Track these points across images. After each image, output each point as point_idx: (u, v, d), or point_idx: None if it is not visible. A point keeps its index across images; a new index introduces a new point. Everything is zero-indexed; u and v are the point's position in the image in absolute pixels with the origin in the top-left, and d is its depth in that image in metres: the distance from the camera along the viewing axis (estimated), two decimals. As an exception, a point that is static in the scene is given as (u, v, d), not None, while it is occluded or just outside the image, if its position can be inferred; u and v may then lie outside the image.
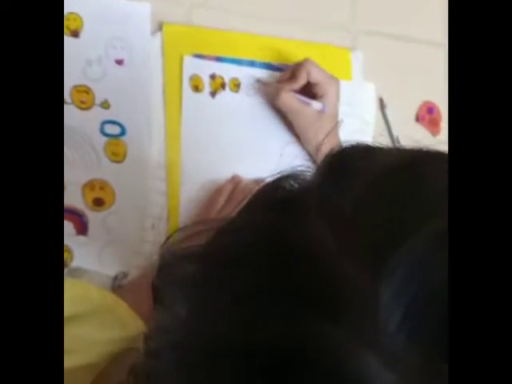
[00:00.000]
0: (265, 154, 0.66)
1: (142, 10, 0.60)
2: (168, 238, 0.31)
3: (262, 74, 0.67)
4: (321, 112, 0.63)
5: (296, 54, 0.69)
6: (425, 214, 0.23)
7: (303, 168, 0.29)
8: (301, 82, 0.62)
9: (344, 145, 0.29)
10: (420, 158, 0.26)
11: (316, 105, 0.63)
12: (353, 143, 0.29)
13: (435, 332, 0.21)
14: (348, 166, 0.27)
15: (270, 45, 0.68)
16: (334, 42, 0.73)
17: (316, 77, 0.62)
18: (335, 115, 0.65)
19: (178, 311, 0.26)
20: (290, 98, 0.62)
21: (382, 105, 0.76)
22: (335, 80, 0.64)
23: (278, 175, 0.28)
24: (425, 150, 0.27)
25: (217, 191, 0.61)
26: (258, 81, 0.65)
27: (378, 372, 0.20)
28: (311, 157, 0.67)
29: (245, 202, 0.28)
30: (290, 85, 0.62)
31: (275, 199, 0.27)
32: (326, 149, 0.66)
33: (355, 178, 0.25)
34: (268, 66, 0.67)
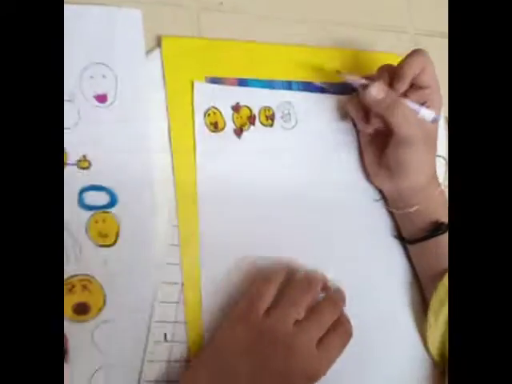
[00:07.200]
0: (315, 210, 0.48)
1: (130, 19, 0.42)
2: None
3: (306, 97, 0.50)
4: (431, 125, 0.46)
5: (345, 68, 0.52)
6: None
7: None
8: (407, 80, 0.46)
9: None
10: None
11: (426, 114, 0.46)
12: None
13: None
14: None
15: (310, 58, 0.51)
16: (389, 49, 0.56)
17: (429, 79, 0.46)
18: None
19: None
20: (405, 110, 0.45)
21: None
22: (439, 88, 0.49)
23: None
24: None
25: (265, 280, 0.42)
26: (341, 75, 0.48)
27: None
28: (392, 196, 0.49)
29: None
30: (396, 88, 0.46)
31: None
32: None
33: None
34: (310, 87, 0.50)
